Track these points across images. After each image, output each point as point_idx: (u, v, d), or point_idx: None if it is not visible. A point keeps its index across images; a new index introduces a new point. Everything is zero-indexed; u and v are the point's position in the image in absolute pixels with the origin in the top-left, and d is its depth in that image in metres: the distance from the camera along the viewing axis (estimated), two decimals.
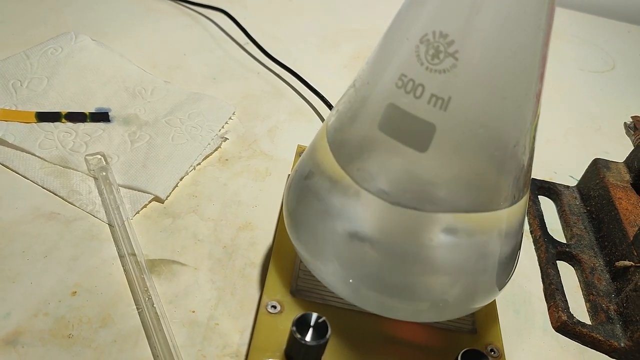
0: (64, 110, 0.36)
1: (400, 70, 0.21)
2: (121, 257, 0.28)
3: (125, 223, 0.30)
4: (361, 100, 0.23)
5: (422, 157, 0.21)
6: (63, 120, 0.35)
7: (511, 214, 0.24)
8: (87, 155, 0.33)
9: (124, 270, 0.28)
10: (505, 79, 0.21)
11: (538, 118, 0.23)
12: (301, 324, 0.22)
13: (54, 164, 0.33)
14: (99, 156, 0.33)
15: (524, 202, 0.24)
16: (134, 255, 0.28)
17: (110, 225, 0.30)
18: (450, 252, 0.24)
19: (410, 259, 0.24)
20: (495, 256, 0.24)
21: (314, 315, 0.22)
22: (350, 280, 0.24)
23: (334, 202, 0.24)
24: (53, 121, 0.35)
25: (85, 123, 0.36)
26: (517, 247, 0.26)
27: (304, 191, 0.26)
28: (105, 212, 0.31)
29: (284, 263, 0.28)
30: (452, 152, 0.21)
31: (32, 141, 0.33)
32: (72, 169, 0.33)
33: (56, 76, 0.38)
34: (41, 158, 0.33)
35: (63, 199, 0.31)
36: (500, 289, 0.26)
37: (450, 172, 0.22)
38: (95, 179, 0.32)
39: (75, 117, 0.36)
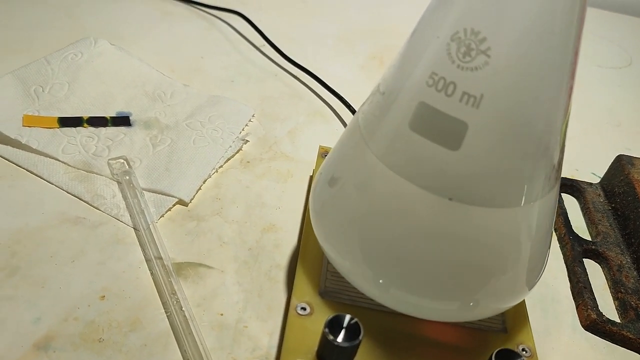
0: (85, 115, 0.36)
1: (431, 68, 0.21)
2: (148, 260, 0.28)
3: (151, 227, 0.30)
4: (391, 100, 0.23)
5: (454, 155, 0.21)
6: (85, 125, 0.35)
7: (542, 210, 0.23)
8: (109, 159, 0.33)
9: (151, 273, 0.28)
10: (538, 75, 0.20)
11: (569, 114, 0.22)
12: (333, 325, 0.22)
13: (78, 169, 0.33)
14: (122, 160, 0.33)
15: (554, 198, 0.24)
16: (161, 259, 0.28)
17: (135, 229, 0.30)
18: (481, 248, 0.23)
19: (442, 256, 0.23)
20: (526, 254, 0.24)
21: (347, 317, 0.22)
22: (380, 281, 0.24)
23: (364, 198, 0.24)
24: (75, 126, 0.35)
25: (107, 127, 0.36)
26: (547, 246, 0.26)
27: (332, 190, 0.26)
28: (130, 216, 0.31)
29: (311, 264, 0.28)
30: (484, 149, 0.21)
31: (56, 146, 0.33)
32: (96, 174, 0.33)
33: (77, 81, 0.38)
34: (65, 163, 0.33)
35: (88, 203, 0.31)
36: (530, 288, 0.25)
37: (482, 169, 0.22)
38: (119, 183, 0.32)
39: (97, 122, 0.36)
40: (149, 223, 0.30)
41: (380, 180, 0.23)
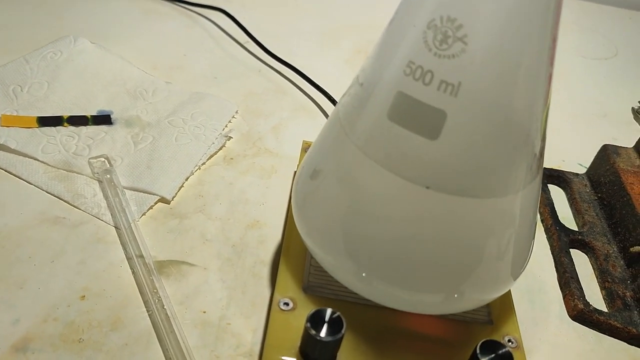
0: (65, 114, 0.36)
1: (408, 57, 0.21)
2: (129, 259, 0.28)
3: (132, 225, 0.29)
4: (369, 90, 0.22)
5: (433, 145, 0.21)
6: (65, 124, 0.35)
7: (524, 200, 0.23)
8: (90, 158, 0.33)
9: (133, 272, 0.27)
10: (516, 62, 0.20)
11: (549, 102, 0.22)
12: (315, 319, 0.22)
13: (58, 168, 0.32)
14: (103, 159, 0.33)
15: (537, 188, 0.24)
16: (142, 257, 0.28)
17: (116, 227, 0.30)
18: (464, 239, 0.23)
19: (425, 248, 0.23)
20: (510, 244, 0.24)
21: (329, 311, 0.22)
22: (363, 274, 0.24)
23: (345, 190, 0.24)
24: (55, 125, 0.35)
25: (88, 126, 0.35)
26: (532, 236, 0.25)
27: (313, 183, 0.25)
28: (111, 214, 0.30)
29: (294, 259, 0.27)
30: (463, 138, 0.21)
31: (35, 146, 0.33)
32: (76, 173, 0.32)
33: (56, 80, 0.37)
34: (44, 163, 0.32)
35: (68, 203, 0.31)
36: (515, 279, 0.25)
37: (461, 158, 0.21)
38: (100, 181, 0.32)
39: (77, 121, 0.35)
40: (130, 221, 0.29)
41: (361, 171, 0.23)
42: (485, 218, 0.23)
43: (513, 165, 0.22)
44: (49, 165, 0.32)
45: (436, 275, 0.24)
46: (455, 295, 0.24)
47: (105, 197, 0.31)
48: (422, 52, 0.20)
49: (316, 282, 0.26)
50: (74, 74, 0.38)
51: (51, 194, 0.31)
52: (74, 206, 0.30)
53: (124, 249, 0.29)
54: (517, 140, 0.21)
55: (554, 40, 0.21)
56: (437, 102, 0.20)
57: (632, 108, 0.48)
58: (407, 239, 0.23)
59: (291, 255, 0.27)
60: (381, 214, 0.23)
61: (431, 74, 0.20)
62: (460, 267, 0.24)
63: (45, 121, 0.35)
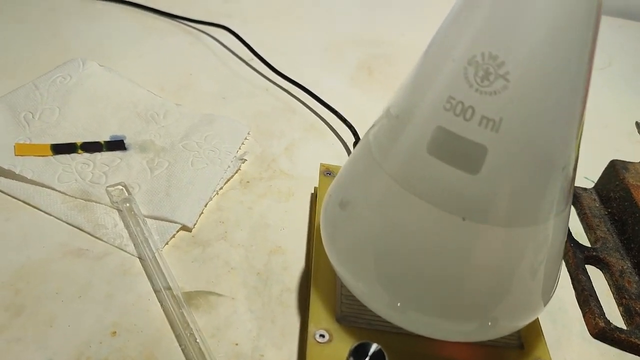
0: (78, 140, 0.35)
1: (448, 92, 0.21)
2: (156, 291, 0.28)
3: (156, 255, 0.29)
4: (405, 123, 0.23)
5: (474, 179, 0.21)
6: (79, 151, 0.35)
7: (557, 227, 0.24)
8: (108, 186, 0.32)
9: (161, 305, 0.27)
10: (556, 96, 0.20)
11: (582, 133, 0.22)
12: (358, 353, 0.22)
13: (76, 198, 0.32)
14: (121, 187, 0.32)
15: (568, 214, 0.24)
16: (170, 289, 0.28)
17: (140, 258, 0.29)
18: (498, 267, 0.23)
19: (459, 277, 0.23)
20: (541, 271, 0.24)
21: (372, 346, 0.22)
22: (398, 304, 0.24)
23: (378, 219, 0.24)
24: (69, 152, 0.34)
25: (102, 152, 0.35)
26: (560, 259, 0.26)
27: (344, 213, 0.26)
28: (134, 244, 0.30)
29: (325, 288, 0.27)
30: (504, 172, 0.21)
31: (51, 175, 0.33)
32: (95, 202, 0.32)
33: (67, 105, 0.37)
34: (62, 192, 0.32)
35: (89, 234, 0.30)
36: (545, 304, 0.26)
37: (500, 191, 0.22)
38: (120, 210, 0.31)
39: (91, 147, 0.35)
40: (154, 251, 0.29)
41: (396, 202, 0.23)
42: (519, 246, 0.23)
43: (550, 195, 0.22)
44: (67, 194, 0.32)
45: (471, 303, 0.24)
46: (489, 323, 0.24)
47: (126, 226, 0.31)
48: (462, 88, 0.20)
49: (349, 312, 0.26)
50: (84, 99, 0.38)
51: (72, 225, 0.30)
52: (96, 237, 0.30)
53: (150, 280, 0.28)
54: (554, 171, 0.22)
55: (589, 72, 0.21)
56: (478, 138, 0.21)
57: (636, 122, 0.48)
58: (442, 269, 0.23)
59: (321, 284, 0.27)
60: (416, 244, 0.23)
61: (472, 110, 0.20)
62: (494, 296, 0.24)
63: (60, 149, 0.34)
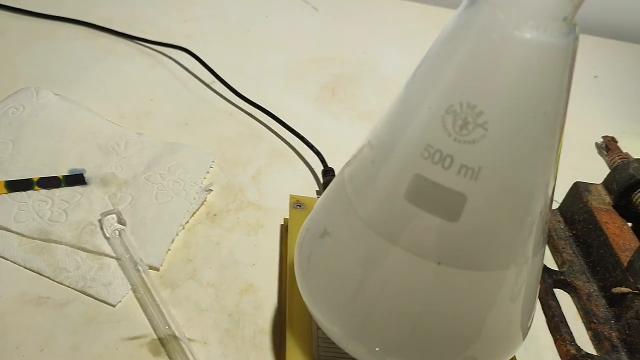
0: (35, 176, 0.33)
1: (426, 140, 0.21)
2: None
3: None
4: (382, 169, 0.22)
5: (453, 226, 0.21)
6: (36, 187, 0.33)
7: (534, 265, 0.24)
8: (102, 213, 0.32)
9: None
10: (533, 143, 0.20)
11: (557, 170, 0.23)
12: None
13: (34, 239, 0.30)
14: (114, 215, 0.31)
15: (544, 252, 0.24)
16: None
17: (133, 289, 0.29)
18: (476, 310, 0.23)
19: (436, 321, 0.23)
20: (518, 309, 0.24)
21: None
22: (377, 349, 0.24)
23: (352, 264, 0.24)
24: (25, 189, 0.33)
25: (61, 188, 0.33)
26: (536, 295, 0.26)
27: (320, 252, 0.25)
28: (123, 271, 0.30)
29: (300, 330, 0.27)
30: (483, 219, 0.21)
31: (6, 215, 0.31)
32: (55, 242, 0.30)
33: (21, 139, 0.35)
34: (18, 233, 0.30)
35: (50, 279, 0.29)
36: (524, 339, 0.26)
37: (479, 237, 0.22)
38: (108, 238, 0.30)
39: (49, 183, 0.33)
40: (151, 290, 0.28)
41: (370, 247, 0.23)
42: (497, 289, 0.23)
43: (528, 238, 0.22)
44: (24, 235, 0.30)
45: (450, 346, 0.24)
46: None
47: (118, 257, 0.30)
48: (441, 136, 0.20)
49: (327, 355, 0.26)
50: (39, 131, 0.36)
51: (30, 270, 0.29)
52: (58, 282, 0.29)
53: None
54: (532, 215, 0.22)
55: (565, 115, 0.21)
56: (457, 186, 0.20)
57: (596, 143, 0.49)
58: (419, 314, 0.23)
59: (296, 326, 0.27)
60: (392, 289, 0.23)
61: (451, 159, 0.20)
62: (472, 337, 0.24)
63: (15, 185, 0.33)
